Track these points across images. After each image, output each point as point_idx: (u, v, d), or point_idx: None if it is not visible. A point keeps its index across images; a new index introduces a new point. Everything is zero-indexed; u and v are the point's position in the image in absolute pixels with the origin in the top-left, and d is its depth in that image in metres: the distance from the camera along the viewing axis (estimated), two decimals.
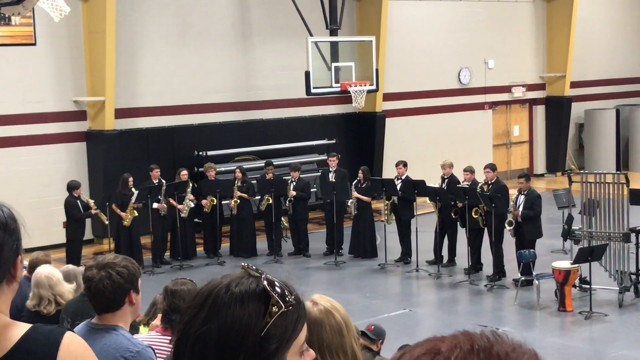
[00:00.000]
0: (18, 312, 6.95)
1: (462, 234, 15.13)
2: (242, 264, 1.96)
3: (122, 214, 15.29)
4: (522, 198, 14.05)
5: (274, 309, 1.81)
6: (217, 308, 1.80)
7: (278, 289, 1.84)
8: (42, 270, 6.78)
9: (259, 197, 16.59)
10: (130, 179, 15.50)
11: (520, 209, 13.93)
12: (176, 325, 1.89)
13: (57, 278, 6.70)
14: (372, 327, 7.32)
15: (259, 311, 1.80)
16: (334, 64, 18.13)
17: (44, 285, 6.65)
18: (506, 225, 13.94)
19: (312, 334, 3.50)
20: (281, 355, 1.82)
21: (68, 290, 6.74)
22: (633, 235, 13.14)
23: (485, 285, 14.11)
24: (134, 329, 5.76)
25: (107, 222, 15.17)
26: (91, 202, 15.09)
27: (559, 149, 26.19)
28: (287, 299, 1.83)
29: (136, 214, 15.32)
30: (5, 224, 2.16)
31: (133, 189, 15.42)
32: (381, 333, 7.31)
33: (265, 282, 1.84)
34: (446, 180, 15.49)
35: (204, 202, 16.25)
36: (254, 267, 1.90)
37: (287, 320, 1.83)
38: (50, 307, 6.62)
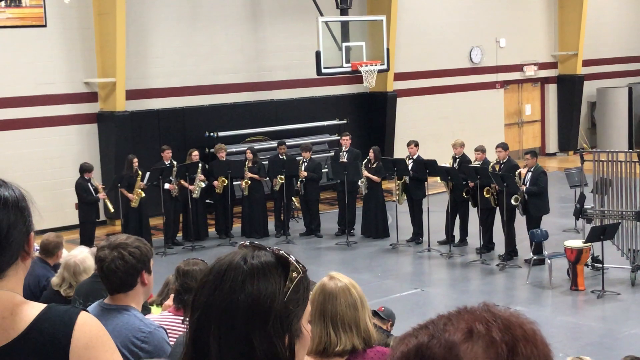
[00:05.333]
0: (30, 292, 7.01)
1: (473, 214, 15.12)
2: (241, 242, 2.04)
3: (129, 195, 15.32)
4: (529, 175, 14.06)
5: (294, 274, 1.93)
6: (242, 279, 1.89)
7: (293, 257, 1.97)
8: (75, 255, 6.79)
9: (267, 178, 16.59)
10: (135, 160, 15.50)
11: (527, 184, 13.93)
12: (193, 302, 1.95)
13: (83, 267, 6.72)
14: (383, 308, 7.39)
15: (281, 278, 1.91)
16: (344, 44, 18.06)
17: (69, 269, 6.70)
18: (512, 201, 13.89)
19: (326, 305, 3.56)
20: (300, 318, 1.94)
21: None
22: None
23: (497, 265, 14.10)
24: (146, 309, 5.78)
25: (112, 210, 15.17)
26: (100, 187, 15.13)
27: (571, 128, 26.09)
28: (301, 265, 1.96)
29: (143, 195, 15.34)
30: (17, 203, 2.18)
31: (138, 171, 15.42)
32: (391, 315, 7.38)
33: (281, 252, 1.96)
34: (457, 160, 15.47)
35: (215, 183, 16.27)
36: (255, 243, 2.02)
37: (302, 285, 1.95)
38: (70, 291, 6.68)
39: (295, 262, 1.94)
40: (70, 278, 6.67)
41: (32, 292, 7.16)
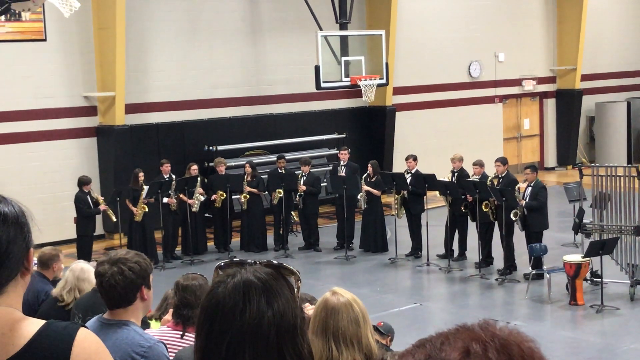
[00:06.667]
0: (30, 307, 7.00)
1: (472, 228, 15.11)
2: (217, 265, 2.06)
3: (133, 209, 15.33)
4: (529, 189, 14.06)
5: (299, 283, 1.98)
6: (266, 299, 1.91)
7: (285, 264, 2.00)
8: (82, 265, 6.97)
9: (266, 191, 16.60)
10: (141, 174, 15.53)
11: (527, 199, 13.93)
12: (214, 328, 1.93)
13: (86, 276, 6.79)
14: (382, 323, 7.40)
15: (290, 288, 1.96)
16: (343, 58, 18.11)
17: (74, 272, 6.84)
18: (511, 216, 13.88)
19: (328, 320, 3.56)
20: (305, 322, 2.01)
21: (87, 290, 6.84)
22: None
23: (496, 279, 14.09)
24: (145, 324, 5.77)
25: (114, 220, 15.20)
26: (100, 199, 15.15)
27: (570, 142, 26.12)
28: (297, 271, 2.01)
29: (146, 209, 15.36)
30: (16, 219, 2.18)
31: (144, 185, 15.45)
32: (390, 330, 7.39)
33: (274, 261, 1.99)
34: (456, 174, 15.47)
35: (214, 197, 16.27)
36: (235, 260, 2.05)
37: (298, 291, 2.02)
38: (69, 296, 6.71)
39: (297, 271, 1.99)
40: (74, 281, 6.74)
41: (31, 307, 7.15)
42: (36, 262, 8.09)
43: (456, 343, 1.37)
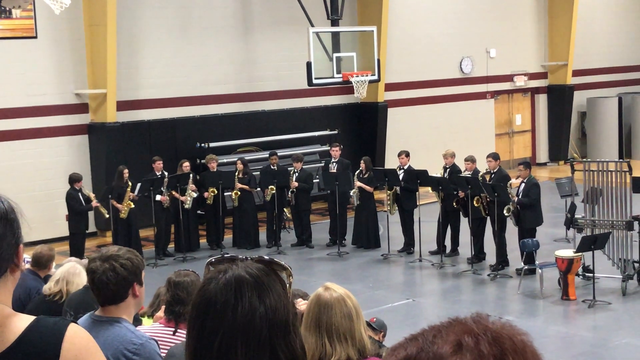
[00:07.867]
0: (21, 304, 6.99)
1: (464, 224, 15.13)
2: (208, 261, 2.05)
3: (119, 205, 15.29)
4: (522, 186, 14.07)
5: (290, 279, 1.98)
6: (258, 294, 1.90)
7: (276, 259, 2.00)
8: (74, 263, 7.01)
9: (259, 188, 16.60)
10: (126, 171, 15.49)
11: (520, 196, 13.94)
12: (206, 324, 1.92)
13: (78, 272, 6.79)
14: (375, 319, 7.41)
15: (282, 284, 1.95)
16: (335, 55, 18.10)
17: (65, 268, 6.80)
18: (504, 212, 13.90)
19: (321, 316, 3.56)
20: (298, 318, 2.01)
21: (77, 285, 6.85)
22: (636, 223, 13.12)
23: (489, 275, 14.11)
24: (137, 321, 5.76)
25: (107, 216, 15.19)
26: (92, 195, 15.13)
27: (562, 138, 26.17)
28: (289, 266, 2.01)
29: (132, 206, 15.31)
30: (5, 215, 2.17)
31: (128, 182, 15.39)
32: (383, 325, 7.41)
33: (265, 257, 1.99)
34: (448, 170, 15.49)
35: (206, 194, 16.25)
36: (226, 255, 2.05)
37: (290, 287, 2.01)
38: (56, 287, 6.71)
39: (289, 267, 1.98)
40: (64, 276, 6.76)
41: (23, 303, 7.14)
42: (28, 259, 8.09)
43: (448, 336, 1.36)
